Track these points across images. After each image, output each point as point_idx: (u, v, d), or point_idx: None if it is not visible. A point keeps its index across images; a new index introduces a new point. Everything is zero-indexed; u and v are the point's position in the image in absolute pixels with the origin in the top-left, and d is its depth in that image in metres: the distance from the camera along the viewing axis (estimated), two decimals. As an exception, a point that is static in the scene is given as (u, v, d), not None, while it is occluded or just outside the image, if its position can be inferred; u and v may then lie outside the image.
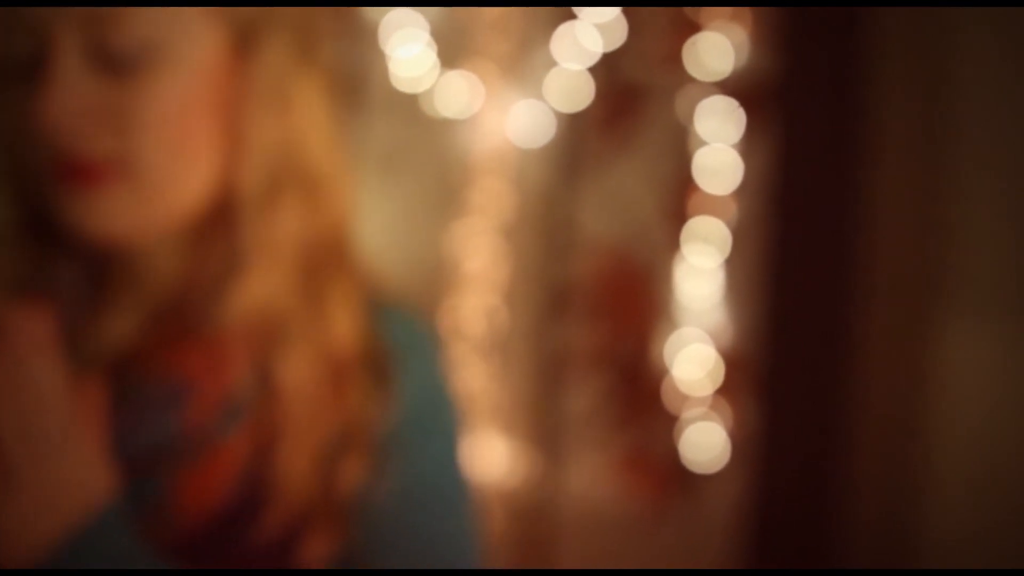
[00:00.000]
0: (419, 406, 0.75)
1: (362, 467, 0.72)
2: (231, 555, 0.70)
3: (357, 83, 1.90)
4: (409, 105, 1.91)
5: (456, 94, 1.89)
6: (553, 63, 1.90)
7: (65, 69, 0.68)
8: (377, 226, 1.96)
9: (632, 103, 1.92)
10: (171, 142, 0.69)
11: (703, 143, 1.93)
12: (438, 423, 0.76)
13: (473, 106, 1.90)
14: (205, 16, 0.70)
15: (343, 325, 0.73)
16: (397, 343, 0.75)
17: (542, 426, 1.94)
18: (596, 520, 1.91)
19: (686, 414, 1.93)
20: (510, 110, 1.91)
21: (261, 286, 0.71)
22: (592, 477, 1.93)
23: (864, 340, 1.87)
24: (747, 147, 1.94)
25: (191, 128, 0.70)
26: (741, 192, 1.95)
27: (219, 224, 0.72)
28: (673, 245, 1.94)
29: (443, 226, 1.95)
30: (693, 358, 1.93)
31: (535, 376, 1.95)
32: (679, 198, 1.93)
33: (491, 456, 1.93)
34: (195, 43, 0.70)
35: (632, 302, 1.94)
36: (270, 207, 0.72)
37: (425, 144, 1.93)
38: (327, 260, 0.74)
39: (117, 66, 0.68)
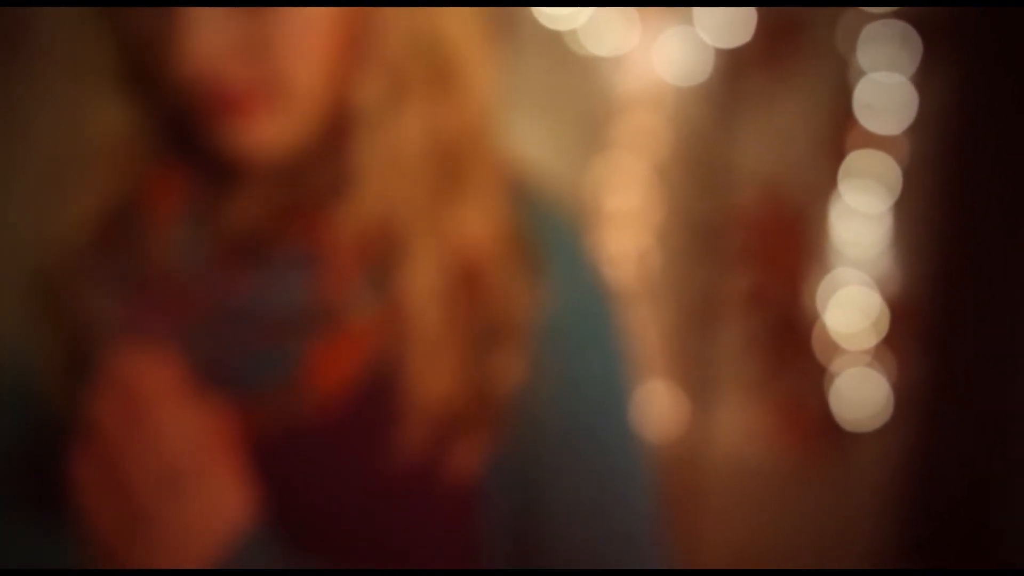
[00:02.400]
0: (572, 297, 0.72)
1: (516, 364, 0.70)
2: (378, 460, 0.69)
3: (503, 21, 1.82)
4: (560, 43, 1.82)
5: (608, 31, 1.79)
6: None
7: (201, 12, 0.67)
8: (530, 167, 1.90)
9: (792, 35, 1.78)
10: (309, 57, 0.68)
11: (866, 75, 1.79)
12: (594, 313, 0.73)
13: (626, 43, 1.80)
14: None
15: (480, 221, 0.71)
16: (543, 234, 0.73)
17: (692, 372, 1.90)
18: (745, 470, 1.88)
19: (842, 365, 1.85)
20: (664, 46, 1.81)
21: (376, 199, 0.70)
22: (742, 426, 1.88)
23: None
24: (923, 80, 1.79)
25: (326, 39, 0.68)
26: (915, 129, 1.81)
27: (341, 132, 0.70)
28: (835, 186, 1.83)
29: (597, 166, 1.88)
30: (854, 305, 1.84)
31: (686, 320, 1.90)
32: (842, 135, 1.81)
33: (641, 401, 1.90)
34: None
35: (790, 244, 1.85)
36: (392, 113, 0.70)
37: (577, 82, 1.85)
38: (462, 155, 0.71)
39: None
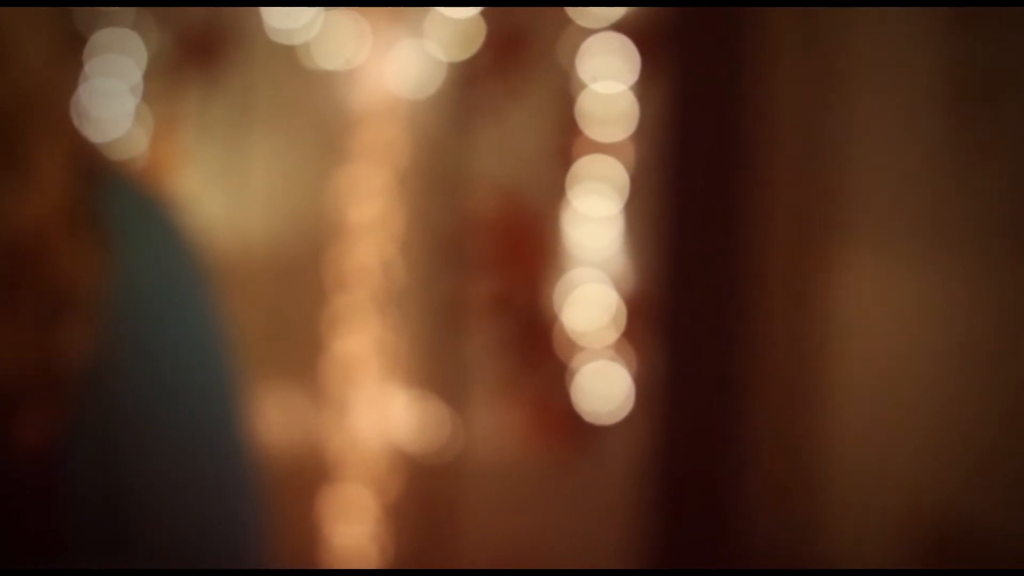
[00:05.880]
0: (152, 272, 0.73)
1: (81, 338, 0.70)
2: None
3: (230, 37, 1.82)
4: (291, 57, 1.84)
5: (339, 45, 1.82)
6: (435, 10, 1.83)
7: None
8: (267, 181, 1.91)
9: (518, 48, 1.86)
10: None
11: (589, 85, 1.88)
12: (178, 289, 0.74)
13: (357, 57, 1.84)
14: None
15: (38, 198, 0.70)
16: (115, 210, 0.73)
17: (443, 379, 1.93)
18: (500, 474, 1.92)
19: (584, 360, 1.92)
20: (395, 59, 1.85)
21: None
22: (495, 428, 1.93)
23: (763, 279, 1.87)
24: (643, 88, 1.89)
25: None
26: (639, 134, 1.91)
27: None
28: (567, 191, 1.91)
29: (336, 178, 1.90)
30: (593, 303, 1.92)
31: (434, 327, 1.93)
32: (571, 142, 1.89)
33: (392, 411, 1.92)
34: None
35: (528, 248, 1.91)
36: None
37: (312, 95, 1.87)
38: (15, 133, 0.70)
39: None
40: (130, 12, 1.92)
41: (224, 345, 0.75)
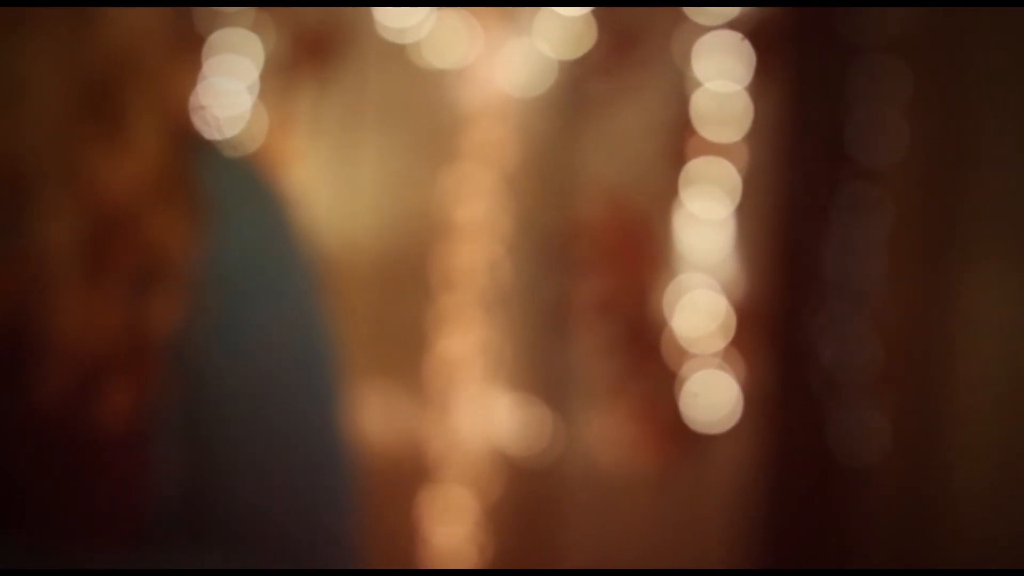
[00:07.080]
0: (249, 245, 0.71)
1: (172, 307, 0.69)
2: (17, 404, 0.67)
3: (343, 37, 1.83)
4: (403, 56, 1.84)
5: (450, 43, 1.82)
6: (546, 9, 1.82)
7: None
8: (376, 179, 1.92)
9: (630, 46, 1.83)
10: None
11: (703, 85, 1.84)
12: (275, 263, 0.72)
13: (468, 56, 1.83)
14: None
15: (134, 163, 0.69)
16: (213, 180, 0.71)
17: (546, 382, 1.91)
18: (602, 481, 1.88)
19: (692, 368, 1.88)
20: (506, 58, 1.84)
21: None
22: (598, 434, 1.90)
23: (881, 285, 1.80)
24: (757, 89, 1.85)
25: None
26: (752, 136, 1.86)
27: None
28: (678, 193, 1.87)
29: (445, 178, 1.90)
30: (701, 309, 1.87)
31: (539, 329, 1.91)
32: (683, 143, 1.85)
33: (494, 413, 1.90)
34: None
35: (637, 251, 1.88)
36: (11, 46, 0.67)
37: (422, 94, 1.87)
38: (113, 95, 0.69)
39: None
40: (249, 13, 1.94)
41: (323, 329, 0.73)
